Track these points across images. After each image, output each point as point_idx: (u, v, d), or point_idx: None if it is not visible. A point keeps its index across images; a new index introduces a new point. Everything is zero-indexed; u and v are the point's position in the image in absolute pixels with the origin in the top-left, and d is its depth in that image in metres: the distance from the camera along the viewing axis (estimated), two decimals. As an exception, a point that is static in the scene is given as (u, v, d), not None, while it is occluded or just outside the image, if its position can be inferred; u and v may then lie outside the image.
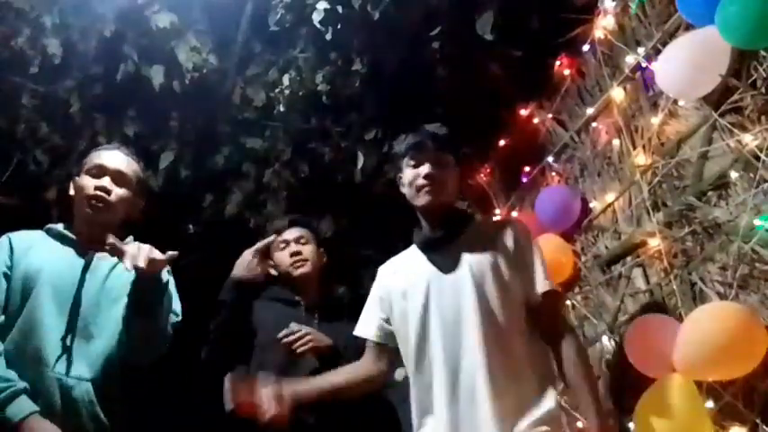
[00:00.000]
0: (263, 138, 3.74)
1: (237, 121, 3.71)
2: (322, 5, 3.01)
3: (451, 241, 1.81)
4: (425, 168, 1.81)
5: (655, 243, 2.11)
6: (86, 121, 3.51)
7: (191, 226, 3.90)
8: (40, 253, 1.87)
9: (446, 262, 1.79)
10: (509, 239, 1.78)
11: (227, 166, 3.78)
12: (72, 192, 1.99)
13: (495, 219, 3.08)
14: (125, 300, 1.84)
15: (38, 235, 1.94)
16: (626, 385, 2.10)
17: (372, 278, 2.72)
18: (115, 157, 1.98)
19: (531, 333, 1.73)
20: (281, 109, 3.43)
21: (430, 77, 3.20)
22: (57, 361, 1.75)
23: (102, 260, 1.91)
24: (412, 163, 1.85)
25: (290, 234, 2.41)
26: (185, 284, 2.32)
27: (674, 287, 2.01)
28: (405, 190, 1.89)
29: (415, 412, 1.77)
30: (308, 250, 2.39)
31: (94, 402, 1.77)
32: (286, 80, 3.39)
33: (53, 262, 1.85)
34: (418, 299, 1.78)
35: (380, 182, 3.63)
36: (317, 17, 3.04)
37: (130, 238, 1.98)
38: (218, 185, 3.81)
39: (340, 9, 3.02)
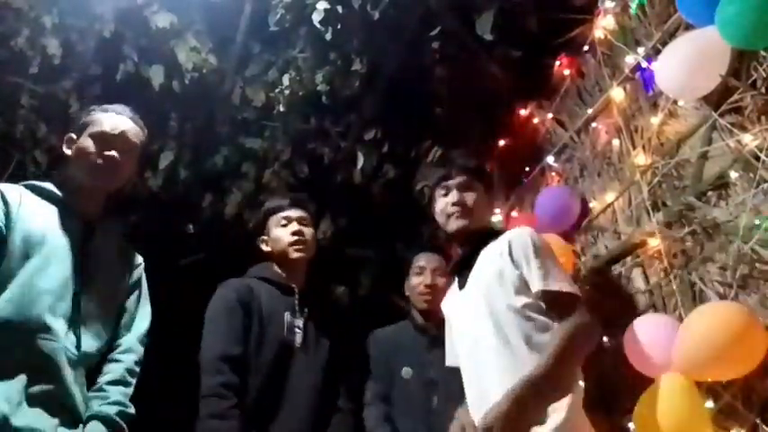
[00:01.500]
0: (262, 138, 3.74)
1: (237, 121, 3.72)
2: (322, 5, 3.00)
3: (473, 258, 1.94)
4: (454, 196, 1.98)
5: (655, 243, 2.11)
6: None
7: (190, 226, 3.89)
8: (38, 215, 1.73)
9: (463, 279, 1.96)
10: (505, 249, 1.86)
11: (226, 167, 3.78)
12: (68, 152, 1.85)
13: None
14: (125, 283, 1.84)
15: (23, 190, 1.77)
16: (625, 385, 2.10)
17: (370, 278, 2.74)
18: (125, 125, 1.86)
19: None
20: (281, 109, 3.43)
21: (430, 77, 3.20)
22: (65, 333, 1.67)
23: (101, 233, 1.84)
24: (442, 192, 2.01)
25: (294, 213, 2.31)
26: (185, 284, 2.33)
27: (674, 287, 2.01)
28: (439, 219, 2.03)
29: None
30: (309, 233, 2.31)
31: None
32: (285, 80, 3.38)
33: (55, 229, 1.74)
34: (448, 321, 2.06)
35: (380, 182, 3.64)
36: (316, 17, 3.04)
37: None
38: (218, 186, 3.82)
39: (340, 9, 3.02)
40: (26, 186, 1.80)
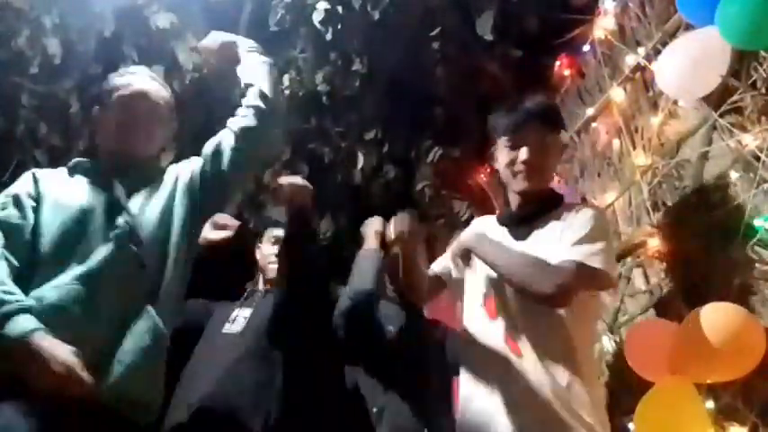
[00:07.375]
0: (262, 138, 3.73)
1: (237, 121, 3.71)
2: (322, 5, 3.01)
3: (532, 220, 1.70)
4: (524, 154, 1.67)
5: (655, 243, 2.11)
6: (86, 121, 3.50)
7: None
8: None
9: (517, 235, 1.71)
10: (570, 218, 1.65)
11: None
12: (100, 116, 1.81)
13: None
14: None
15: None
16: (625, 386, 2.10)
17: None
18: (148, 83, 1.83)
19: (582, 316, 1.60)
20: (281, 109, 3.43)
21: (430, 77, 3.20)
22: None
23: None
24: (509, 144, 1.70)
25: None
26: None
27: (674, 287, 2.01)
28: (498, 167, 1.77)
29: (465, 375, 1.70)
30: None
31: None
32: (286, 80, 3.38)
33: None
34: (483, 268, 1.70)
35: (380, 182, 3.64)
36: (317, 17, 3.04)
37: None
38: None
39: (340, 9, 3.03)
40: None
